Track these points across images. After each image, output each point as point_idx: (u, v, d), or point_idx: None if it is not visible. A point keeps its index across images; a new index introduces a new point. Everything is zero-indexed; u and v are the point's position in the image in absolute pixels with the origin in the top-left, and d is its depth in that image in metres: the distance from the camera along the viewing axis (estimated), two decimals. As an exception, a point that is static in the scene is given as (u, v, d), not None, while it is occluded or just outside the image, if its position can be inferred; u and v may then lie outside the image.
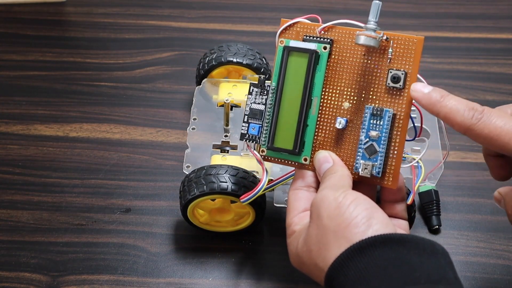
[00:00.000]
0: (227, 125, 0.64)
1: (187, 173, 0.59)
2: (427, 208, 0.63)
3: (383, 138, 0.48)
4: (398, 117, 0.48)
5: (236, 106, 0.65)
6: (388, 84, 0.48)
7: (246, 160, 0.61)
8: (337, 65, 0.50)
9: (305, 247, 0.46)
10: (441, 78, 0.78)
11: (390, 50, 0.48)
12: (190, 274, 0.60)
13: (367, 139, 0.49)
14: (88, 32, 0.83)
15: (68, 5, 0.86)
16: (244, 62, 0.67)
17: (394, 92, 0.48)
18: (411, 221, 0.58)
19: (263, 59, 0.69)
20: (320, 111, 0.51)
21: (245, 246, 0.62)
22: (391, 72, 0.48)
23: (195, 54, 0.80)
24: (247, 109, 0.52)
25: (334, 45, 0.50)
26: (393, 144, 0.49)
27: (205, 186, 0.56)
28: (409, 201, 0.53)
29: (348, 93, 0.50)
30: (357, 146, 0.49)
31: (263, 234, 0.63)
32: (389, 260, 0.40)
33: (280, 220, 0.62)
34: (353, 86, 0.50)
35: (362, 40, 0.47)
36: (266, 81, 0.52)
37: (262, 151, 0.52)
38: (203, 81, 0.67)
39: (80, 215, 0.64)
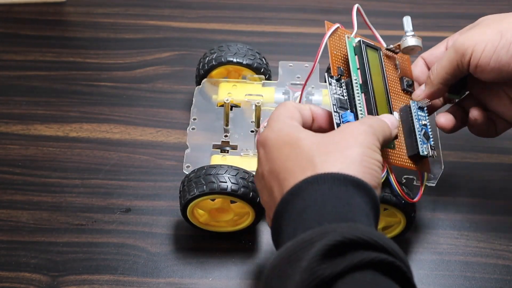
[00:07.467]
0: (227, 125, 0.64)
1: (187, 173, 0.59)
2: None
3: (428, 125, 0.57)
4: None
5: (236, 106, 0.65)
6: (404, 88, 0.58)
7: (246, 160, 0.61)
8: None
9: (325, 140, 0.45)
10: (441, 78, 0.77)
11: (397, 62, 0.59)
12: (190, 274, 0.60)
13: (420, 127, 0.56)
14: (88, 32, 0.83)
15: (68, 5, 0.86)
16: (244, 62, 0.67)
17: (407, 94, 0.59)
18: (411, 221, 0.58)
19: (263, 59, 0.69)
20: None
21: (245, 246, 0.62)
22: (405, 79, 0.58)
23: (195, 54, 0.80)
24: (333, 99, 0.51)
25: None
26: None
27: (204, 186, 0.56)
28: (417, 198, 0.56)
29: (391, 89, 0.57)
30: (416, 134, 0.55)
31: (263, 234, 0.63)
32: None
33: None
34: (392, 85, 0.58)
35: (414, 42, 0.56)
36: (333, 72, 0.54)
37: None
38: (203, 81, 0.67)
39: (80, 215, 0.64)
